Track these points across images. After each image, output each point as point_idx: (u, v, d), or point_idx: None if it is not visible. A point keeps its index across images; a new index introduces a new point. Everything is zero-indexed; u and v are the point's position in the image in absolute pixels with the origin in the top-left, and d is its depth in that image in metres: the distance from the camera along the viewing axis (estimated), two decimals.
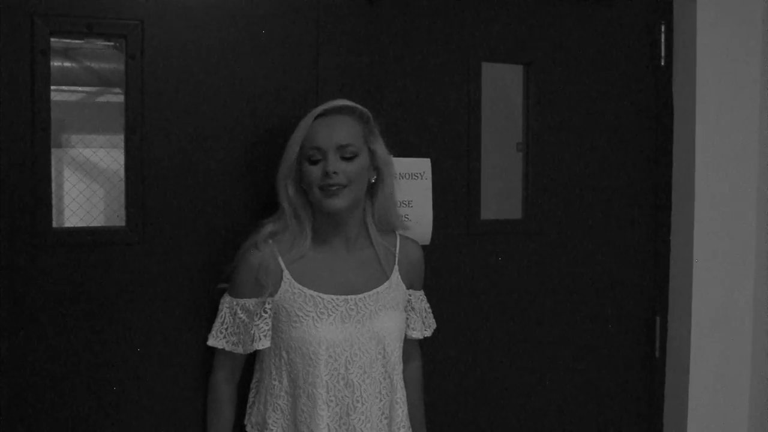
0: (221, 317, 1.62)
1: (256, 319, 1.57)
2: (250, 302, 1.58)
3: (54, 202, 1.67)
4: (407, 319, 1.71)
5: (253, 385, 1.69)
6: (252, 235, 1.62)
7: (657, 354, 2.20)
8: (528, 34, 2.04)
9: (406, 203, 1.85)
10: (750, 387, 2.19)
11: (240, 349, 1.60)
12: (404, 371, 1.70)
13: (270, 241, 1.59)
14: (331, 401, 1.56)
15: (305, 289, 1.57)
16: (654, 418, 2.22)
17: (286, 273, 1.57)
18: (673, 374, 2.18)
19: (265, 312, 1.57)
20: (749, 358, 2.18)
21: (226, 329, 1.61)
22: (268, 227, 1.61)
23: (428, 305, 1.78)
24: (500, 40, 2.01)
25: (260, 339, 1.57)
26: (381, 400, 1.62)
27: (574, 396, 2.14)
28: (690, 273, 2.11)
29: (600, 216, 2.14)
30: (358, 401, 1.57)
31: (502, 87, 2.09)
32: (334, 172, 1.53)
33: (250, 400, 1.69)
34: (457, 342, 1.99)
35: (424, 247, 1.81)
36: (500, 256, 2.04)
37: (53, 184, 1.66)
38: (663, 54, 2.17)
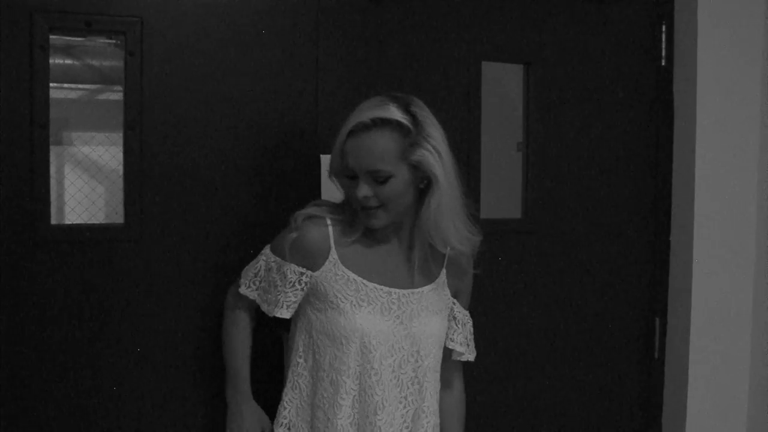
0: (256, 268, 1.56)
1: (287, 286, 1.50)
2: (288, 267, 1.50)
3: (55, 199, 1.67)
4: (449, 329, 1.62)
5: (285, 362, 1.63)
6: (310, 206, 1.56)
7: (656, 355, 2.20)
8: (528, 33, 2.03)
9: None
10: (749, 388, 2.18)
11: (265, 307, 1.54)
12: (443, 398, 1.62)
13: (328, 220, 1.52)
14: (362, 394, 1.48)
15: (349, 273, 1.49)
16: (653, 419, 2.22)
17: (333, 252, 1.50)
18: (672, 375, 2.18)
19: (300, 284, 1.49)
20: (748, 359, 2.17)
21: (259, 282, 1.55)
22: (325, 204, 1.56)
23: (472, 330, 1.70)
24: (500, 40, 2.01)
25: (283, 307, 1.50)
26: (405, 407, 1.52)
27: (572, 396, 2.13)
28: (689, 274, 2.11)
29: (600, 216, 2.13)
30: (386, 401, 1.49)
31: (502, 86, 2.09)
32: (365, 197, 1.45)
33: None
34: None
35: None
36: (500, 255, 2.03)
37: (53, 182, 1.66)
38: (664, 54, 2.16)
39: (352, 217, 1.53)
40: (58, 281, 1.65)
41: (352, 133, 1.45)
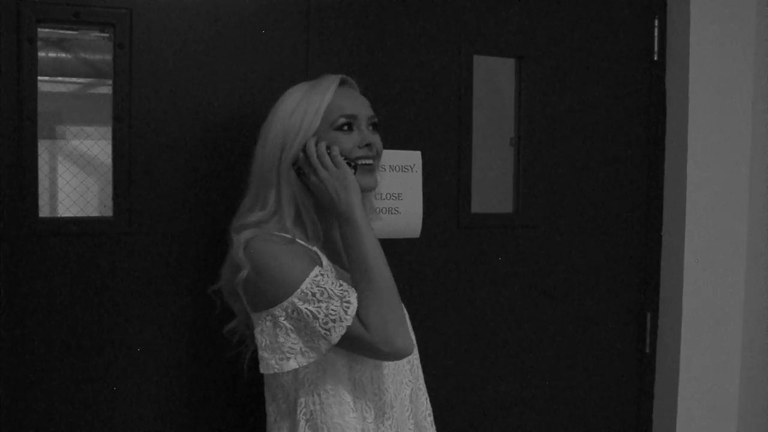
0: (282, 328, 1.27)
1: (335, 282, 1.27)
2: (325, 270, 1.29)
3: (46, 193, 1.66)
4: None
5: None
6: (251, 231, 1.36)
7: (647, 350, 2.20)
8: (520, 27, 2.03)
9: (396, 196, 1.85)
10: (740, 383, 2.18)
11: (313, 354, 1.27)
12: None
13: (289, 236, 1.34)
14: (377, 400, 1.38)
15: (341, 270, 1.36)
16: (643, 414, 2.22)
17: (321, 256, 1.34)
18: (663, 370, 2.18)
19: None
20: (739, 354, 2.18)
21: (298, 333, 1.27)
22: (264, 222, 1.37)
23: None
24: (492, 33, 2.00)
25: (351, 306, 1.25)
26: (407, 386, 1.45)
27: (563, 391, 2.13)
28: (681, 269, 2.11)
29: (591, 211, 2.13)
30: (396, 392, 1.40)
31: (493, 80, 2.08)
32: (372, 143, 1.36)
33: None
34: (446, 337, 1.99)
35: (413, 241, 1.81)
36: (491, 250, 2.03)
37: (45, 176, 1.66)
38: (656, 48, 2.16)
39: (305, 218, 1.37)
40: (46, 275, 1.64)
41: (341, 84, 1.42)
